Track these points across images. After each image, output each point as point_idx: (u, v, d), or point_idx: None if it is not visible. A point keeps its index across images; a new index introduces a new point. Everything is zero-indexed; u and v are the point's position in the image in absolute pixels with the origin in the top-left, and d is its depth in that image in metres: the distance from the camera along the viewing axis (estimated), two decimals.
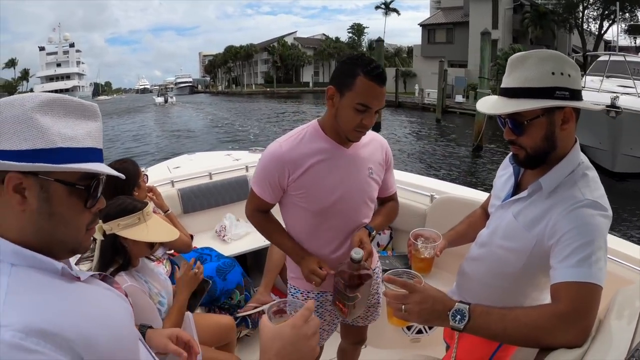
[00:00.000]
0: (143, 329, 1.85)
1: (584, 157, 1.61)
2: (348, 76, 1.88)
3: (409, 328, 3.35)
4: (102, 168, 1.04)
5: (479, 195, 3.26)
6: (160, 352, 1.75)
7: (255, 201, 2.18)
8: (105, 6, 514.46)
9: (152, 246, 2.31)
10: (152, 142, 28.97)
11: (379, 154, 2.22)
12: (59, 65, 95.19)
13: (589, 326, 1.39)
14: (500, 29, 42.26)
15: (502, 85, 1.58)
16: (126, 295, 1.24)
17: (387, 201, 2.41)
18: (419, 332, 3.39)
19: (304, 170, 2.03)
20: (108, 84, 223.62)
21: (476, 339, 1.60)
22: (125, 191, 2.70)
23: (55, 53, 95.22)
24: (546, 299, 1.54)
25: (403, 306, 1.52)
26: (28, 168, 0.94)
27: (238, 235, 4.41)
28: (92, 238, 1.17)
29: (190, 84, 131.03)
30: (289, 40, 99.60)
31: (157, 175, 4.68)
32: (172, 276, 2.90)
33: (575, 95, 1.51)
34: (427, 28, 51.18)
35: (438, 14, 52.37)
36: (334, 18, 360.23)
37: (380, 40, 27.49)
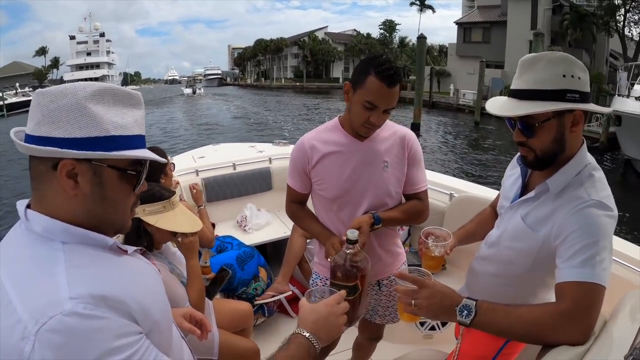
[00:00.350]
0: None
1: (590, 158, 1.63)
2: (361, 74, 1.98)
3: (422, 324, 3.42)
4: (149, 154, 1.11)
5: (496, 195, 3.30)
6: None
7: (289, 192, 2.35)
8: None
9: (175, 234, 2.32)
10: (180, 135, 29.12)
11: (398, 148, 2.24)
12: (89, 54, 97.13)
13: (591, 325, 1.42)
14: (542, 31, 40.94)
15: (513, 87, 1.60)
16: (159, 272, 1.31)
17: (411, 198, 2.38)
18: (432, 328, 3.45)
19: (320, 157, 2.19)
20: (137, 74, 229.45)
21: (483, 336, 1.64)
22: (152, 178, 2.63)
23: (86, 42, 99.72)
24: (554, 297, 1.54)
25: (413, 301, 1.57)
26: (86, 156, 0.99)
27: (259, 225, 4.51)
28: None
29: (219, 76, 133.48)
30: (320, 35, 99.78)
31: (182, 164, 4.76)
32: None
33: (585, 97, 1.51)
34: (463, 26, 49.40)
35: (474, 12, 51.00)
36: (363, 14, 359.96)
37: (422, 37, 25.88)
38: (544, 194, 1.64)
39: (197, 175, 4.68)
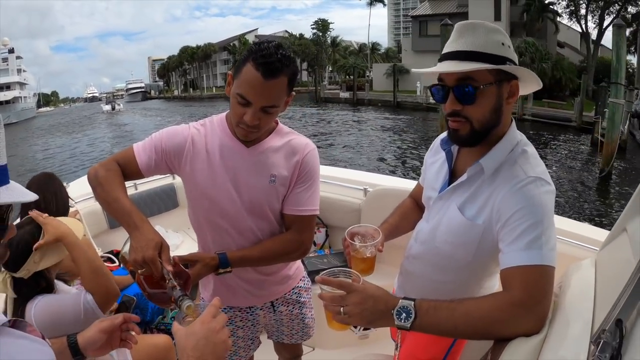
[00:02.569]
0: (72, 338, 1.68)
1: (520, 135, 1.64)
2: (242, 61, 1.77)
3: (355, 326, 2.71)
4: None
5: (412, 185, 2.86)
6: (104, 349, 1.66)
7: (123, 154, 1.99)
8: (49, 11, 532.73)
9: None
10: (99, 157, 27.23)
11: (292, 161, 2.01)
12: None
13: (546, 311, 1.40)
14: (504, 22, 40.20)
15: (451, 50, 1.55)
16: (43, 338, 1.15)
17: (290, 225, 2.10)
18: (367, 328, 2.86)
19: (195, 156, 1.96)
20: (55, 93, 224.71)
21: (428, 337, 1.61)
22: (63, 199, 2.89)
23: None
24: (498, 284, 1.59)
25: (342, 309, 1.45)
26: None
27: (175, 246, 4.39)
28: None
29: (142, 90, 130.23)
30: (250, 38, 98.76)
31: (78, 190, 4.42)
32: None
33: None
34: (419, 19, 49.39)
35: (425, 5, 50.75)
36: (283, 18, 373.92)
37: (447, 24, 18.91)
38: (478, 177, 1.60)
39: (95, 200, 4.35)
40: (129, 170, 1.96)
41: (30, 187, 2.39)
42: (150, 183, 4.81)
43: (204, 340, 1.18)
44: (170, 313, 3.50)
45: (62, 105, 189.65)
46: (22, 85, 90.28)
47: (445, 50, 1.57)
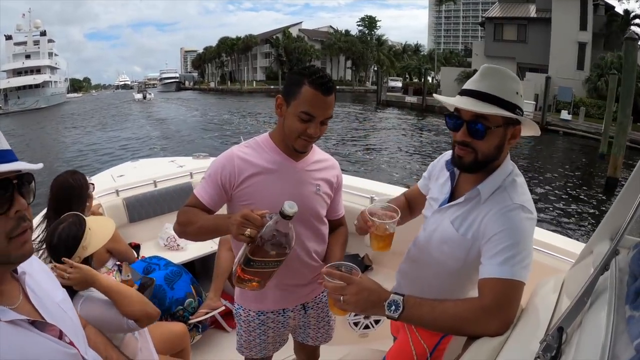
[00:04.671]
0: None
1: (512, 165, 1.93)
2: (294, 85, 2.08)
3: (356, 324, 3.77)
4: None
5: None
6: None
7: (190, 202, 2.30)
8: (83, 0, 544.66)
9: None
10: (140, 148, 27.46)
11: (330, 174, 2.44)
12: (28, 56, 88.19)
13: (511, 318, 1.68)
14: (589, 32, 38.71)
15: (474, 88, 1.82)
16: (60, 337, 1.37)
17: (336, 225, 2.62)
18: (366, 327, 3.80)
19: (250, 176, 2.22)
20: (87, 79, 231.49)
21: (421, 333, 2.07)
22: (79, 204, 3.14)
23: (25, 43, 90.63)
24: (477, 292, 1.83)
25: (342, 297, 1.77)
26: None
27: (186, 242, 4.72)
28: (32, 245, 1.31)
29: (176, 80, 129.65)
30: (294, 31, 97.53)
31: (101, 184, 4.91)
32: None
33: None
34: (494, 22, 47.36)
35: (496, 7, 48.94)
36: (316, 15, 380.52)
37: (634, 39, 19.14)
38: (473, 199, 1.90)
39: (118, 195, 4.88)
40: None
41: (53, 186, 3.05)
42: (169, 181, 5.24)
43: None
44: (191, 302, 3.90)
45: (93, 92, 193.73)
46: (53, 69, 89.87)
47: (468, 87, 1.85)
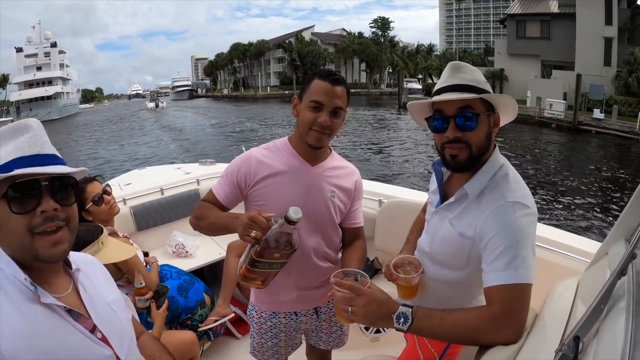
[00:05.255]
0: None
1: (503, 159, 1.89)
2: (306, 83, 2.25)
3: (367, 328, 3.78)
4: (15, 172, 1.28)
5: (425, 197, 3.11)
6: None
7: (207, 197, 2.44)
8: (92, 11, 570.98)
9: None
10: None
11: (347, 181, 2.45)
12: (39, 68, 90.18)
13: (522, 324, 1.65)
14: (614, 26, 37.84)
15: (450, 83, 1.83)
16: (92, 331, 1.42)
17: (352, 236, 2.58)
18: (377, 331, 3.81)
19: (265, 176, 2.29)
20: (99, 89, 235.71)
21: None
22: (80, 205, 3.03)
23: (35, 55, 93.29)
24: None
25: (350, 308, 1.74)
26: None
27: (195, 247, 4.83)
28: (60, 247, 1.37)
29: (189, 88, 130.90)
30: (306, 35, 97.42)
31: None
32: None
33: None
34: (516, 19, 45.69)
35: (515, 3, 47.34)
36: (324, 19, 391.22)
37: None
38: (464, 199, 1.87)
39: (125, 204, 4.89)
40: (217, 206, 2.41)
41: None
42: (176, 188, 5.25)
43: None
44: (199, 311, 3.85)
45: (105, 102, 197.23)
46: (64, 80, 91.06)
47: (443, 84, 1.85)
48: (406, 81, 70.05)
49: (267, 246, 1.91)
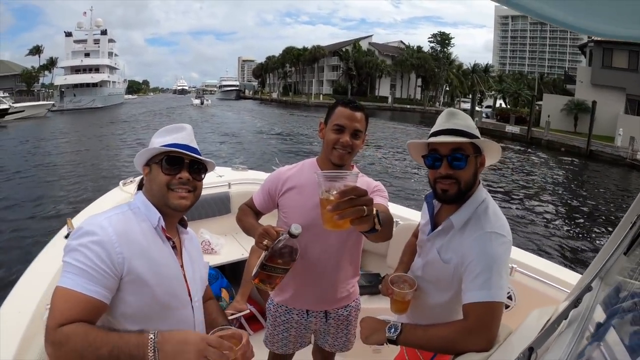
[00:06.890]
0: None
1: (485, 194, 2.21)
2: (331, 109, 2.66)
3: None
4: (159, 149, 1.98)
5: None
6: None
7: (249, 201, 2.99)
8: (145, 6, 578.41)
9: None
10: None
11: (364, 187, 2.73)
12: (87, 54, 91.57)
13: (493, 336, 1.95)
14: None
15: (447, 127, 2.12)
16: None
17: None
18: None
19: (289, 189, 2.76)
20: (146, 82, 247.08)
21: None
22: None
23: (85, 41, 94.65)
24: None
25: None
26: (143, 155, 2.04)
27: (220, 246, 5.34)
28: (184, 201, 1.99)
29: (236, 88, 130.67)
30: (364, 45, 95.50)
31: None
32: None
33: None
34: (603, 46, 42.67)
35: None
36: (372, 31, 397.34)
37: None
38: (450, 229, 2.19)
39: None
40: (253, 210, 2.95)
41: None
42: (208, 189, 5.55)
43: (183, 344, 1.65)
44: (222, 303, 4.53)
45: (150, 94, 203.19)
46: (112, 69, 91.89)
47: (440, 127, 2.15)
48: (460, 101, 67.66)
49: (273, 253, 2.24)
